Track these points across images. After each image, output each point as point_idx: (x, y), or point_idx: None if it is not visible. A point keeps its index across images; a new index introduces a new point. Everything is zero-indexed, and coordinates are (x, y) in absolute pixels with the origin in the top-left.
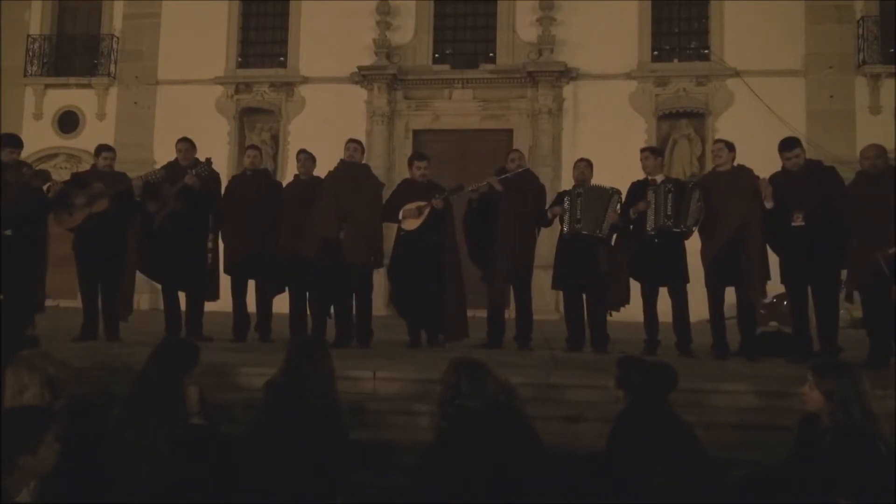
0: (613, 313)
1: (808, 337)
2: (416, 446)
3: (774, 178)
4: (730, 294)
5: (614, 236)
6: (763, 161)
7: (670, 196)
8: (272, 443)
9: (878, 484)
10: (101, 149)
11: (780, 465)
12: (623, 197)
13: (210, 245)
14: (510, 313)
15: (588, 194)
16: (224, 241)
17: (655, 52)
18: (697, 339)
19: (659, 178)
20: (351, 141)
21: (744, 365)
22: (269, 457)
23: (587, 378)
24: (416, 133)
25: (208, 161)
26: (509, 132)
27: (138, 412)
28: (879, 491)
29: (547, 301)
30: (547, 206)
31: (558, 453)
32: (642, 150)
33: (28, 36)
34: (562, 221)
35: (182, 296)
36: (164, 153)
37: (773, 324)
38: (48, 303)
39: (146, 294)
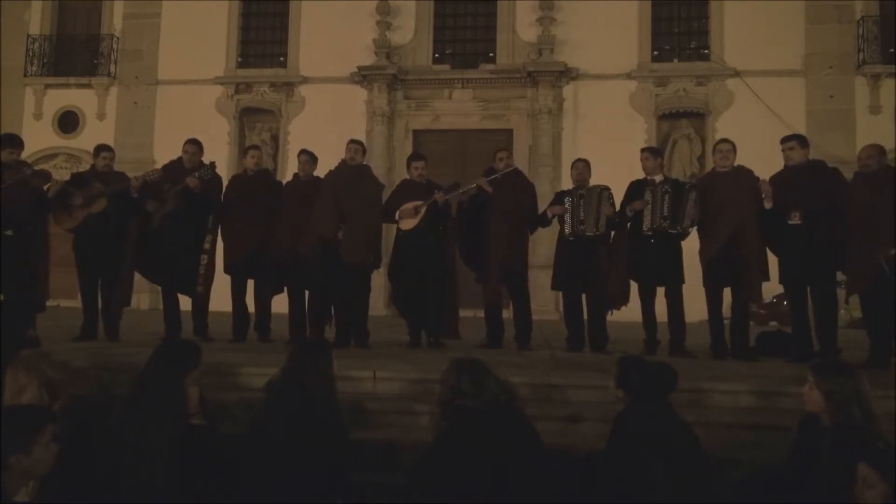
0: (614, 312)
1: (807, 337)
2: (416, 446)
3: (776, 177)
4: (727, 294)
5: (612, 234)
6: (763, 161)
7: (667, 197)
8: (272, 443)
9: None
10: (100, 149)
11: (780, 465)
12: (612, 193)
13: (207, 246)
14: (509, 313)
15: (588, 195)
16: (224, 240)
17: (655, 52)
18: (698, 339)
19: (658, 178)
20: (352, 142)
21: (744, 365)
22: (270, 457)
23: (587, 378)
24: (416, 133)
25: (212, 164)
26: (509, 132)
27: (139, 412)
28: None
29: (547, 301)
30: (542, 205)
31: (558, 453)
32: (642, 151)
33: (28, 36)
34: (562, 222)
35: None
36: (164, 153)
37: (773, 324)
38: (48, 303)
39: (146, 294)
